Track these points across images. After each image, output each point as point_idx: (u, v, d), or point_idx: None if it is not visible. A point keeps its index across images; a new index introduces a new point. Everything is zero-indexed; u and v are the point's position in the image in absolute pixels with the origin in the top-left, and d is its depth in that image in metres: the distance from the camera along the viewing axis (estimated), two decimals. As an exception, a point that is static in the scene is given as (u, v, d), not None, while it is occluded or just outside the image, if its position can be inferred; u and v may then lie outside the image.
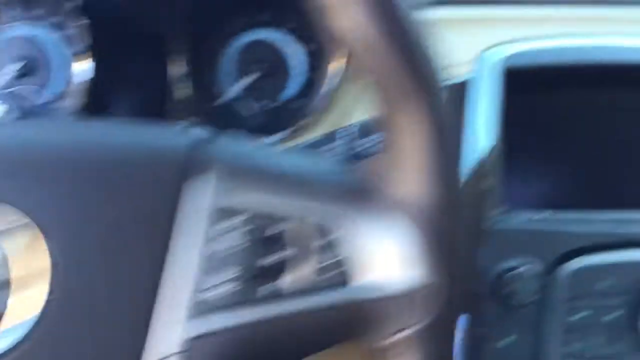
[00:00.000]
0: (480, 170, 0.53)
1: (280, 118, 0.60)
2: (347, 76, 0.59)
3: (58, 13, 0.60)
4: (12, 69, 0.59)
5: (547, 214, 0.53)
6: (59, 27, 0.60)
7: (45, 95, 0.60)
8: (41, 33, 0.60)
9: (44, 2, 0.60)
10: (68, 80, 0.60)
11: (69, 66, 0.60)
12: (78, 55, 0.59)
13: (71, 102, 0.59)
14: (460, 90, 0.58)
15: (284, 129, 0.58)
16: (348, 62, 0.59)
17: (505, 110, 0.56)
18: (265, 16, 0.62)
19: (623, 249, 0.51)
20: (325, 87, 0.59)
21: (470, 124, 0.55)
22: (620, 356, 0.50)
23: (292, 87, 0.61)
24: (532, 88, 0.59)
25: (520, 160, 0.59)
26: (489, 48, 0.58)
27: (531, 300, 0.49)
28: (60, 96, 0.60)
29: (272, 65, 0.61)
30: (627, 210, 0.53)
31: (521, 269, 0.49)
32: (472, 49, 0.59)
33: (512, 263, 0.50)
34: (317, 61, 0.61)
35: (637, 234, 0.52)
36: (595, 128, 0.60)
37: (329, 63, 0.59)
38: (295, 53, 0.61)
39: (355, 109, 0.59)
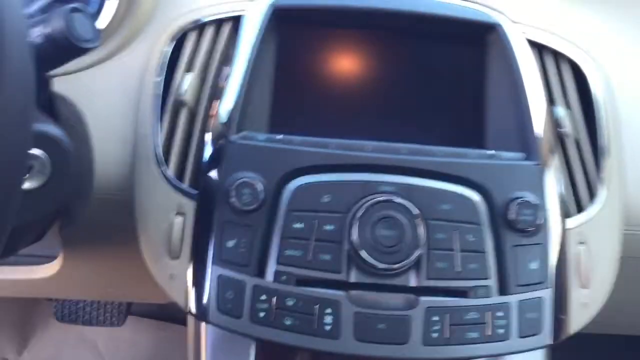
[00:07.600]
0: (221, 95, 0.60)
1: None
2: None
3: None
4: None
5: (279, 137, 0.59)
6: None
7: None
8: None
9: None
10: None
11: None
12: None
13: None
14: (235, 25, 0.64)
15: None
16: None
17: (268, 47, 0.62)
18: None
19: (342, 171, 0.58)
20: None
21: (237, 56, 0.61)
22: (329, 264, 0.56)
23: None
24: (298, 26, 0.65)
25: (276, 89, 0.64)
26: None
27: (255, 208, 0.56)
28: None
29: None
30: (353, 138, 0.60)
31: (250, 180, 0.56)
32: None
33: (245, 175, 0.57)
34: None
35: (357, 158, 0.58)
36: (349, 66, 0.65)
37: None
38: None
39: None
